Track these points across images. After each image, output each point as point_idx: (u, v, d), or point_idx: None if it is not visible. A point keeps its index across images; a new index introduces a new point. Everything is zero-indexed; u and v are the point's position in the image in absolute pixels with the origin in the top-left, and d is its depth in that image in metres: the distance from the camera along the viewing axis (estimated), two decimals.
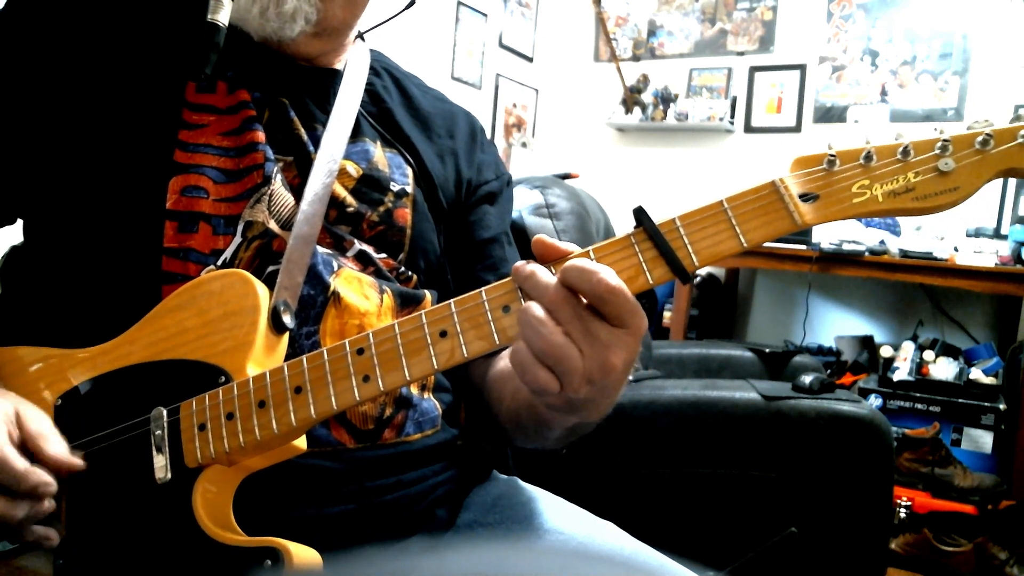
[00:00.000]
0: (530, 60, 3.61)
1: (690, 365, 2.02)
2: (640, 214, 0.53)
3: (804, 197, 0.52)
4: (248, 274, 0.62)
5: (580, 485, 1.25)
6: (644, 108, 3.46)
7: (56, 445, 0.58)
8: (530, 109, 3.65)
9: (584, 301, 0.50)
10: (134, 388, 0.61)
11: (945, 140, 0.51)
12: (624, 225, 0.54)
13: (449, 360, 0.53)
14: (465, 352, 0.53)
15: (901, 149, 0.51)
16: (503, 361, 0.75)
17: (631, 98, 3.46)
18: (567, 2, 3.75)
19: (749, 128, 3.36)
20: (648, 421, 1.38)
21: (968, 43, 2.93)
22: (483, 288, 0.54)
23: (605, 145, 3.68)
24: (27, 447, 0.58)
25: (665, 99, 3.42)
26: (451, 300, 0.54)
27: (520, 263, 0.52)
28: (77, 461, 0.59)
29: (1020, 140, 0.50)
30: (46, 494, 0.57)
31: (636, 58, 3.60)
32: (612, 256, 0.52)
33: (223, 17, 0.63)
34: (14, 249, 0.76)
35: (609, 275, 0.48)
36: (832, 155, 0.52)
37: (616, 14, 3.66)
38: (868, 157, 0.52)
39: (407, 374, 0.54)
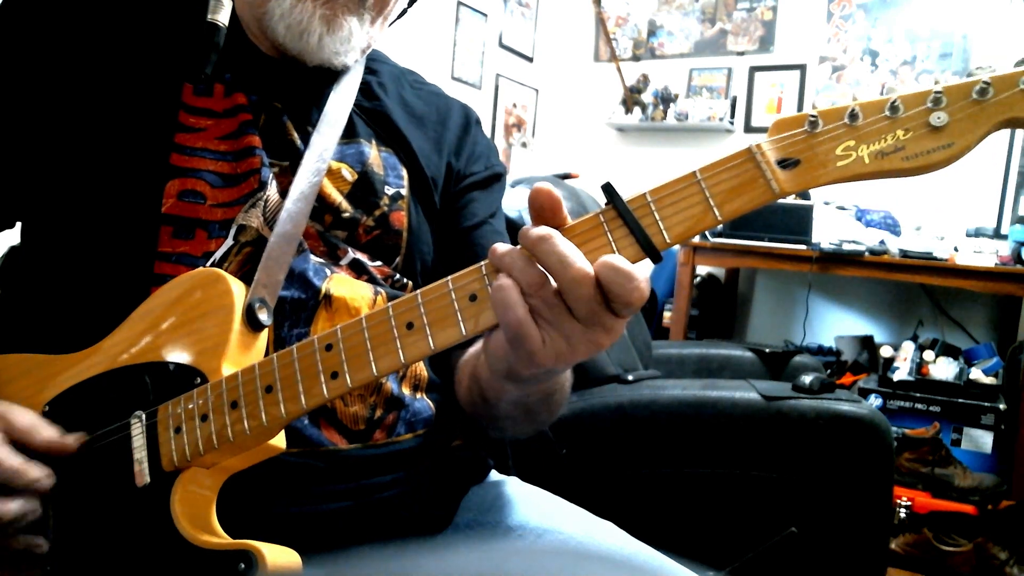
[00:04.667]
0: (530, 60, 3.61)
1: (690, 365, 2.02)
2: (609, 190, 0.50)
3: (783, 163, 0.49)
4: (222, 272, 0.61)
5: (580, 485, 1.25)
6: (644, 108, 3.46)
7: (47, 431, 0.59)
8: (530, 109, 3.65)
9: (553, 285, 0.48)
10: (116, 392, 0.61)
11: (938, 92, 0.46)
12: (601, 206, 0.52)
13: (416, 353, 0.51)
14: (432, 344, 0.51)
15: (889, 105, 0.47)
16: (474, 347, 0.73)
17: (631, 98, 3.46)
18: (567, 2, 3.75)
19: (749, 128, 3.36)
20: (648, 421, 1.38)
21: (968, 43, 2.93)
22: (449, 277, 0.52)
23: (605, 145, 3.68)
24: (18, 444, 0.58)
25: (665, 99, 3.43)
26: (418, 291, 0.52)
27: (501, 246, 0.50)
28: (70, 440, 0.59)
29: (1022, 87, 0.46)
30: (42, 488, 0.57)
31: (636, 58, 3.60)
32: (581, 236, 0.49)
33: (223, 17, 0.63)
34: (13, 249, 0.76)
35: (646, 285, 0.47)
36: (814, 115, 0.48)
37: (616, 14, 3.66)
38: (853, 116, 0.48)
39: (374, 369, 0.52)
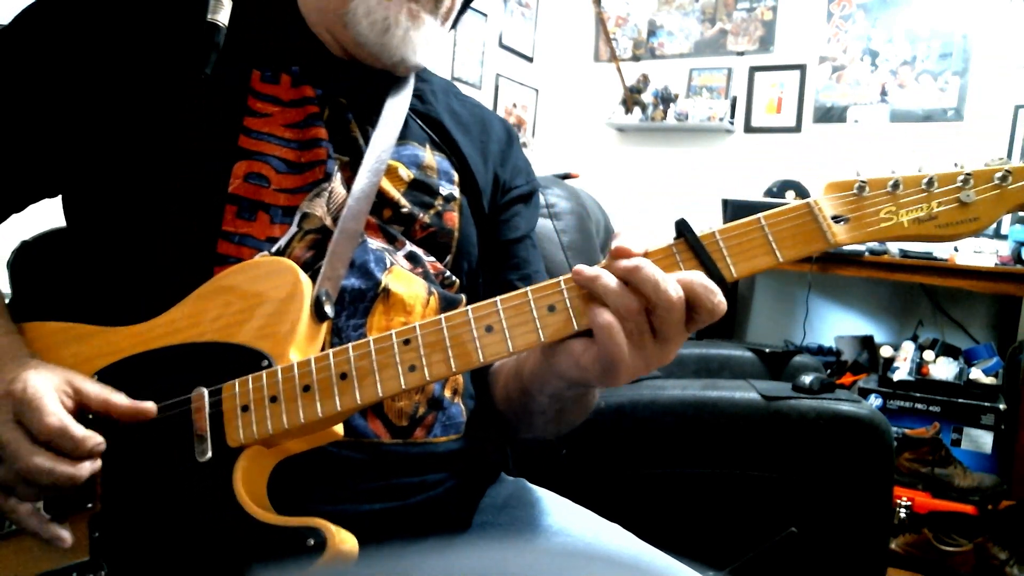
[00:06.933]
0: (530, 60, 3.61)
1: (690, 365, 2.02)
2: (682, 225, 0.56)
3: (836, 219, 0.56)
4: (292, 263, 0.63)
5: (581, 485, 1.25)
6: (644, 108, 3.46)
7: (123, 398, 0.60)
8: (530, 109, 3.65)
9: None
10: (177, 368, 0.62)
11: (967, 174, 0.55)
12: (668, 239, 0.57)
13: (494, 353, 0.56)
14: (510, 346, 0.56)
15: (926, 180, 0.56)
16: None
17: (631, 98, 3.46)
18: (567, 2, 3.75)
19: (749, 128, 3.36)
20: (648, 421, 1.38)
21: (968, 43, 2.93)
22: (528, 288, 0.56)
23: (605, 145, 3.68)
24: (90, 410, 0.60)
25: (665, 99, 3.43)
26: (496, 298, 0.56)
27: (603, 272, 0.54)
28: (149, 406, 0.60)
29: None
30: (99, 453, 0.58)
31: (636, 58, 3.60)
32: (656, 264, 0.54)
33: (223, 17, 0.64)
34: (24, 244, 0.76)
35: (724, 299, 0.53)
36: (862, 182, 0.57)
37: (616, 14, 3.66)
38: (895, 185, 0.56)
39: (453, 365, 0.56)
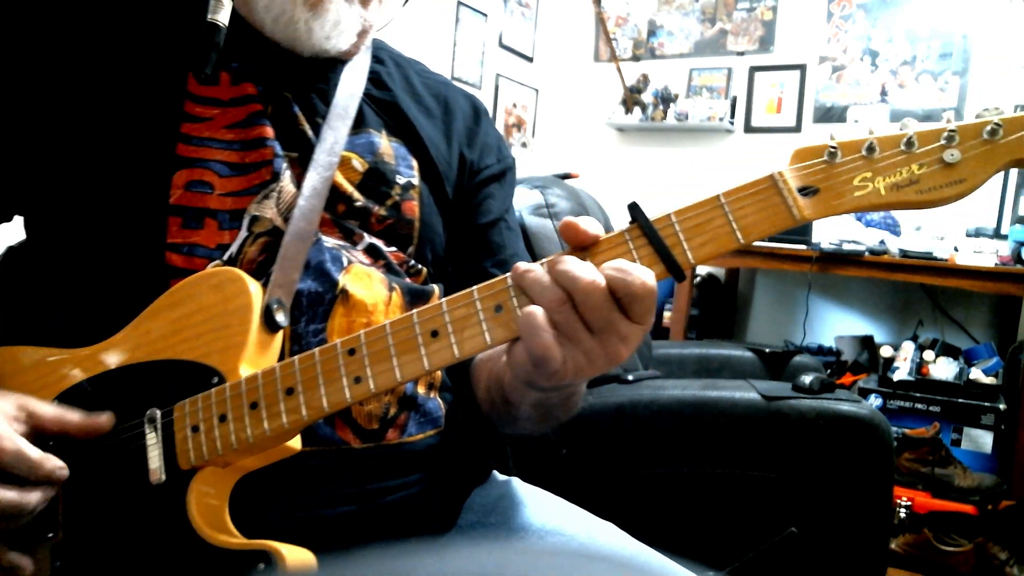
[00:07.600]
0: (530, 60, 3.61)
1: (690, 365, 2.02)
2: (635, 210, 0.52)
3: (803, 191, 0.51)
4: (240, 272, 0.61)
5: (580, 485, 1.24)
6: (644, 108, 3.46)
7: (77, 414, 0.60)
8: (530, 109, 3.65)
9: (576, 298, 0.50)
10: (129, 389, 0.61)
11: (951, 130, 0.49)
12: (624, 225, 0.54)
13: (440, 361, 0.53)
14: (456, 352, 0.52)
15: (905, 140, 0.49)
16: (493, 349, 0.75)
17: (631, 98, 3.46)
18: (567, 2, 3.74)
19: (749, 128, 3.36)
20: (648, 421, 1.38)
21: (968, 43, 2.93)
22: (475, 287, 0.53)
23: (605, 145, 3.68)
24: (46, 432, 0.59)
25: (665, 99, 3.42)
26: (443, 300, 0.54)
27: (522, 265, 0.52)
28: (103, 419, 0.59)
29: None
30: (60, 479, 0.57)
31: (636, 58, 3.60)
32: (606, 253, 0.51)
33: (223, 17, 0.63)
34: (11, 250, 0.76)
35: (647, 276, 0.49)
36: (833, 147, 0.51)
37: (616, 14, 3.66)
38: (871, 149, 0.50)
39: (398, 375, 0.53)
